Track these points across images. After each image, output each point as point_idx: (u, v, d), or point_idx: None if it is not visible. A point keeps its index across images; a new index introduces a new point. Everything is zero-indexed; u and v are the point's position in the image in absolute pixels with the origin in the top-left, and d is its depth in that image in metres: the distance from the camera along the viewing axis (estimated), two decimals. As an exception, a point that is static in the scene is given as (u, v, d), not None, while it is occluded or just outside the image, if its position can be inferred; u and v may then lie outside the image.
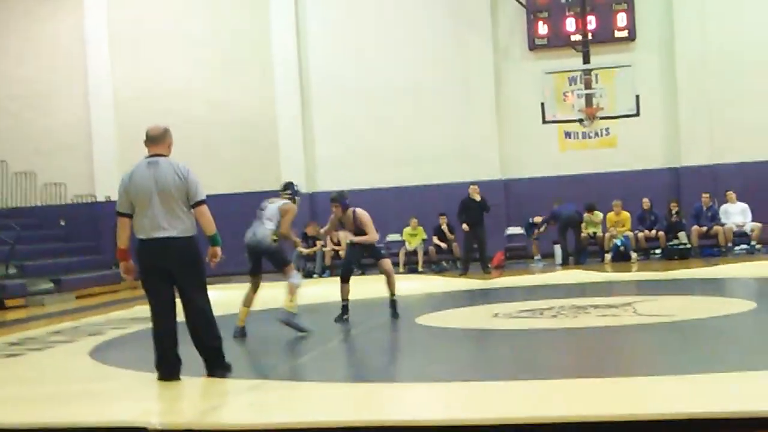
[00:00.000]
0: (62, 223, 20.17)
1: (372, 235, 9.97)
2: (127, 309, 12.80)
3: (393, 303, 10.07)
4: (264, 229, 8.95)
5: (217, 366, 6.44)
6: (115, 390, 6.32)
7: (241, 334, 9.00)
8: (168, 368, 6.30)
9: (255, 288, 9.08)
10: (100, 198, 20.17)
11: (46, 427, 5.05)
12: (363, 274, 13.82)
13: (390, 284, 10.02)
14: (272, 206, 9.15)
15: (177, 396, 6.03)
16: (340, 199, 10.01)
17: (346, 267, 10.21)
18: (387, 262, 10.12)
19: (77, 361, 7.89)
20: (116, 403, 5.80)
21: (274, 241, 8.95)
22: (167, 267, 6.26)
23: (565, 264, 16.75)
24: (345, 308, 9.94)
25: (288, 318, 8.84)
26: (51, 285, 16.37)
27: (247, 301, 9.08)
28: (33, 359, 8.23)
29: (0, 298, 14.69)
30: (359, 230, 9.97)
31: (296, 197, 9.32)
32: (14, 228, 16.70)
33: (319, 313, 10.51)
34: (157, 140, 6.40)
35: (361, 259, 10.46)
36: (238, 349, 8.31)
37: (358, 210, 10.01)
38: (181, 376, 6.32)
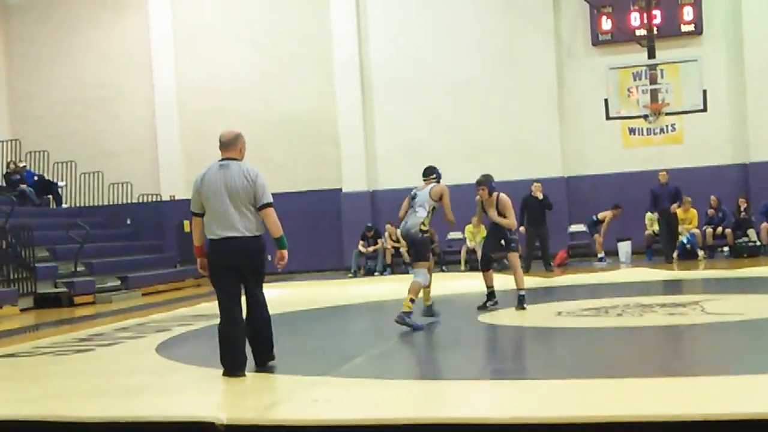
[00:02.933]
0: (128, 222, 20.58)
1: (512, 220, 10.06)
2: (192, 306, 13.00)
3: (520, 298, 10.06)
4: (415, 217, 9.10)
5: (266, 356, 6.72)
6: (182, 385, 6.40)
7: (429, 313, 9.44)
8: (234, 364, 6.38)
9: (429, 270, 9.27)
10: (165, 197, 20.51)
11: (117, 420, 5.14)
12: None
13: (515, 278, 10.09)
14: (422, 193, 9.24)
15: (243, 391, 6.08)
16: (487, 182, 10.08)
17: (484, 257, 10.43)
18: (513, 256, 10.20)
19: (145, 357, 8.02)
20: (184, 398, 5.87)
21: (423, 231, 9.04)
22: (236, 265, 6.44)
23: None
24: (490, 295, 10.27)
25: (402, 318, 8.82)
26: (118, 282, 16.70)
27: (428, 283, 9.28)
28: (102, 354, 8.39)
29: (69, 295, 15.06)
30: (500, 215, 10.09)
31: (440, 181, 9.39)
32: (83, 227, 17.07)
33: (381, 311, 10.51)
34: (230, 145, 6.60)
35: (498, 249, 10.36)
36: (302, 345, 8.37)
37: (502, 195, 10.12)
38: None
